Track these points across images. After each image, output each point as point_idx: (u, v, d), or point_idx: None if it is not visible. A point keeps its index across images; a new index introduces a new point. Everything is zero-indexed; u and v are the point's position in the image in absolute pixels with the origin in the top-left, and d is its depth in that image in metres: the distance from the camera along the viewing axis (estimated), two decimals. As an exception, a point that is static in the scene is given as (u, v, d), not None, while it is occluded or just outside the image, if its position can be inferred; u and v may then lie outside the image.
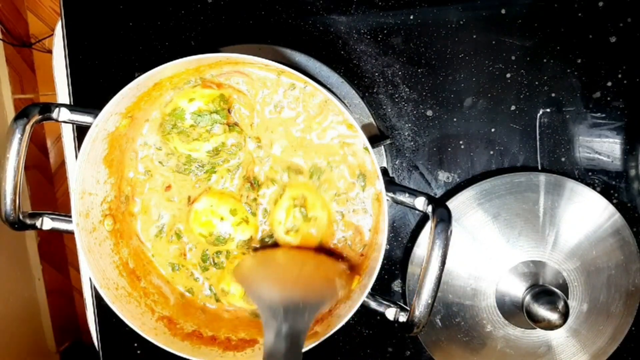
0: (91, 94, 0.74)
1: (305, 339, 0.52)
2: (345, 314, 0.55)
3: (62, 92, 0.78)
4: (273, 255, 0.63)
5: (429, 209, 0.53)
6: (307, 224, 0.62)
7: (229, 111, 0.63)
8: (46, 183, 1.82)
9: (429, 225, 0.54)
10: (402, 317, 0.54)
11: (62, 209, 1.75)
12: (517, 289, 0.70)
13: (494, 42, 0.71)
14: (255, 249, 0.65)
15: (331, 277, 0.58)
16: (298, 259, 0.62)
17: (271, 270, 0.61)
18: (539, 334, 0.71)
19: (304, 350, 0.55)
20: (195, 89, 0.61)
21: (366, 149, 0.61)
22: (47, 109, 0.55)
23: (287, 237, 0.62)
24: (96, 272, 0.57)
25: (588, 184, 0.72)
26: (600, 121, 0.72)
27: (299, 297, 0.53)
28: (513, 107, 0.72)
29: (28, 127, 0.53)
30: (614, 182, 0.73)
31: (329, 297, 0.55)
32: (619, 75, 0.71)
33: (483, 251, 0.70)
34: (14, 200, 0.54)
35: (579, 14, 0.70)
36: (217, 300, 0.67)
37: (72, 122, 0.56)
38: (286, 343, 0.50)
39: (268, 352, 0.50)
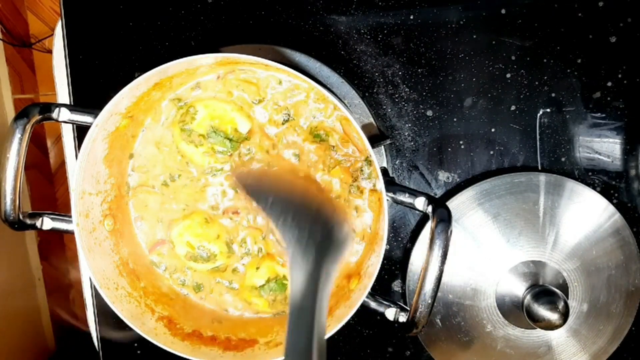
0: (91, 94, 0.74)
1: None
2: (345, 314, 0.55)
3: (62, 92, 0.78)
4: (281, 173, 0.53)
5: (429, 209, 0.53)
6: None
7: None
8: (46, 183, 1.82)
9: (429, 225, 0.54)
10: (402, 317, 0.54)
11: (62, 209, 1.74)
12: (517, 289, 0.70)
13: (494, 42, 0.71)
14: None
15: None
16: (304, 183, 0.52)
17: (291, 192, 0.49)
18: (539, 334, 0.71)
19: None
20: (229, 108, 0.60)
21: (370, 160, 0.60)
22: (47, 109, 0.55)
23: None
24: (96, 272, 0.57)
25: (588, 184, 0.72)
26: (600, 121, 0.72)
27: (332, 231, 0.42)
28: (513, 107, 0.72)
29: (28, 127, 0.53)
30: (614, 182, 0.73)
31: (351, 236, 0.46)
32: (619, 75, 0.71)
33: (483, 251, 0.70)
34: (14, 200, 0.54)
35: (579, 14, 0.70)
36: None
37: (72, 122, 0.56)
38: (321, 289, 0.38)
39: (298, 301, 0.37)
